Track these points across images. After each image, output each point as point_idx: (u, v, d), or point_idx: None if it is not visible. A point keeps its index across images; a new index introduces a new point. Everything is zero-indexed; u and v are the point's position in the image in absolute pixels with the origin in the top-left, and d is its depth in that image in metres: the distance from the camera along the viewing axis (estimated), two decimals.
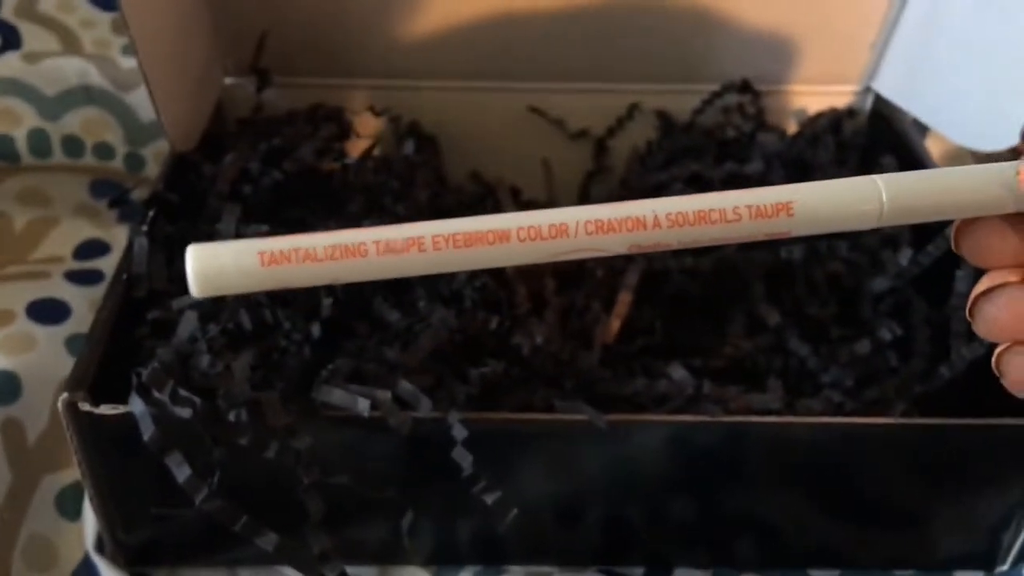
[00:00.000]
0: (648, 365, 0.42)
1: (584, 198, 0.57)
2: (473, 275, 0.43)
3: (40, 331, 0.48)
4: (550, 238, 0.20)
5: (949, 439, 0.38)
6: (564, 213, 0.21)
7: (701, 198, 0.21)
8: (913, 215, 0.22)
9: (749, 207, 0.21)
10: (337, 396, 0.35)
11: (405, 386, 0.36)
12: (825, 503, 0.40)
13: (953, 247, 0.23)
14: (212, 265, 0.19)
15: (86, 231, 0.57)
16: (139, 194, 0.59)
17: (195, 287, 0.19)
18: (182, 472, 0.34)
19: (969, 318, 0.22)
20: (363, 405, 0.35)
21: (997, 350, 0.22)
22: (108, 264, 0.55)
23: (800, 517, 0.41)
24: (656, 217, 0.20)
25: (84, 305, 0.51)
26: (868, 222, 0.21)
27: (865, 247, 0.47)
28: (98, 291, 0.52)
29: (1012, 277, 0.22)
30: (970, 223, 0.22)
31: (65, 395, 0.35)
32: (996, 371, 0.23)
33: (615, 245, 0.21)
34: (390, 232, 0.20)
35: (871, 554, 0.43)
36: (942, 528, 0.42)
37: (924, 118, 0.52)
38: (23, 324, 0.48)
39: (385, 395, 0.35)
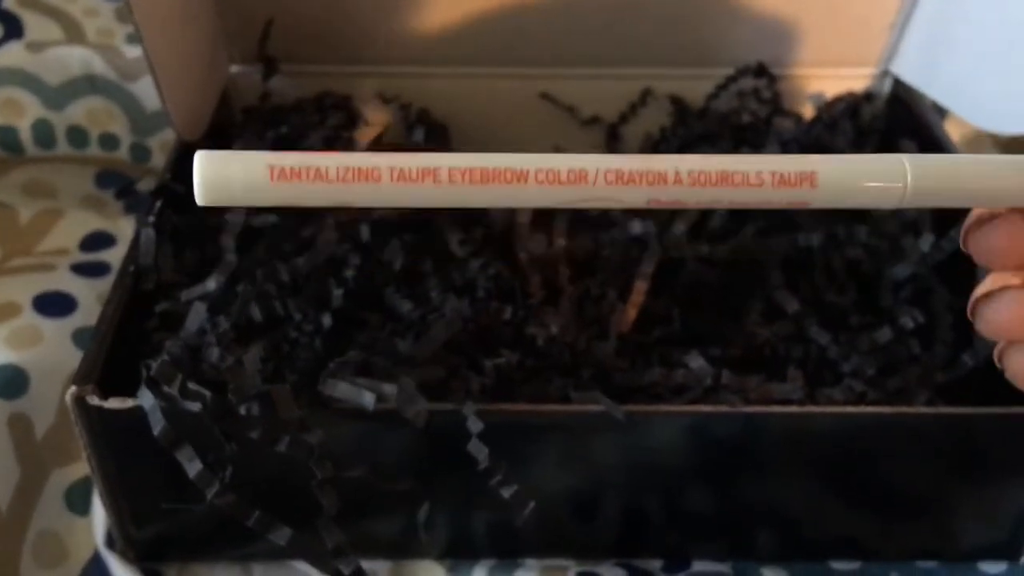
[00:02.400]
0: (665, 354, 0.41)
1: None
2: (486, 264, 0.42)
3: (47, 324, 0.48)
4: (568, 183, 0.20)
5: (972, 428, 0.37)
6: (584, 160, 0.20)
7: (725, 159, 0.20)
8: (937, 198, 0.21)
9: (773, 173, 0.20)
10: (342, 389, 0.35)
11: (406, 385, 0.35)
12: (846, 494, 0.40)
13: (961, 245, 0.23)
14: (221, 173, 0.19)
15: (92, 223, 0.57)
16: (145, 185, 0.58)
17: (200, 194, 0.19)
18: (193, 466, 0.34)
19: (970, 318, 0.23)
20: (368, 399, 0.34)
21: (998, 346, 0.23)
22: (115, 256, 0.54)
23: (820, 508, 0.40)
24: (678, 173, 0.20)
25: (91, 298, 0.50)
26: (891, 201, 0.21)
27: (885, 233, 0.46)
28: (105, 283, 0.51)
29: (1014, 280, 0.22)
30: (981, 223, 0.22)
31: (73, 389, 0.34)
32: (998, 364, 0.23)
33: (633, 198, 0.20)
34: (405, 160, 0.19)
35: (893, 545, 0.42)
36: (965, 518, 0.41)
37: (944, 101, 0.51)
38: (29, 317, 0.48)
39: (392, 389, 0.35)
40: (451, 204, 0.20)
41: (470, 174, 0.20)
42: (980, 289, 0.22)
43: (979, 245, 0.22)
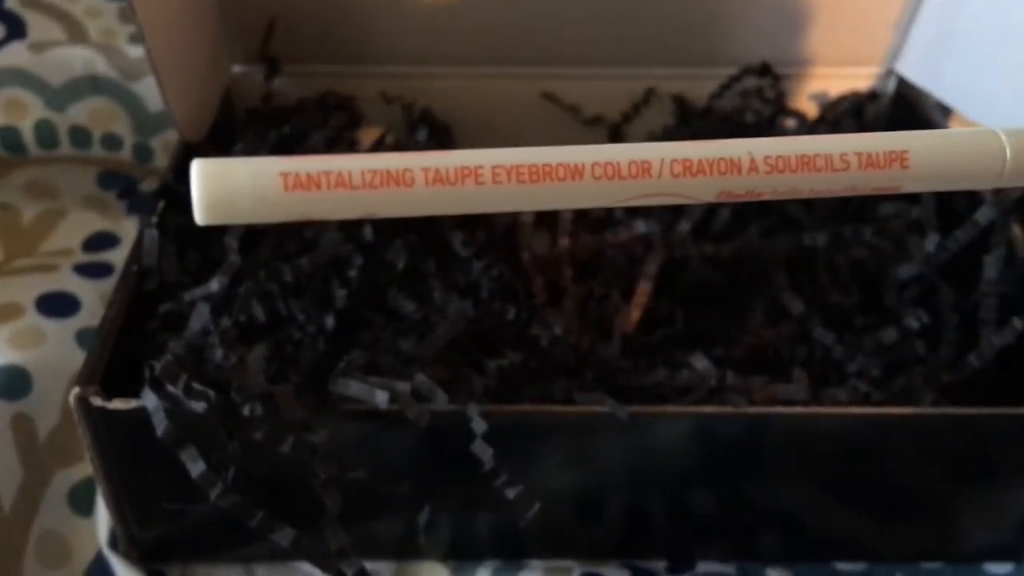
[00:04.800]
0: (669, 355, 0.41)
1: None
2: (489, 264, 0.42)
3: (49, 325, 0.48)
4: (629, 178, 0.18)
5: (978, 429, 0.37)
6: (646, 149, 0.18)
7: (804, 141, 0.18)
8: None
9: (859, 154, 0.18)
10: (355, 388, 0.35)
11: (421, 379, 0.35)
12: (851, 495, 0.40)
13: None
14: (223, 186, 0.16)
15: (95, 223, 0.57)
16: (148, 185, 0.58)
17: (201, 212, 0.16)
18: (196, 467, 0.34)
19: None
20: (381, 398, 0.34)
21: None
22: (118, 256, 0.54)
23: (825, 509, 0.40)
24: (753, 160, 0.18)
25: (94, 298, 0.50)
26: (988, 181, 0.19)
27: (890, 233, 0.46)
28: (108, 284, 0.51)
29: None
30: None
31: (76, 390, 0.34)
32: None
33: (703, 191, 0.18)
34: (441, 159, 0.17)
35: (898, 546, 0.42)
36: (971, 520, 0.41)
37: (948, 100, 0.51)
38: (32, 318, 0.48)
39: (404, 387, 0.35)
40: (496, 208, 0.17)
41: (517, 173, 0.17)
42: None
43: None
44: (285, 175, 0.16)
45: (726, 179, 0.18)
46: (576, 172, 0.17)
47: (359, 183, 0.16)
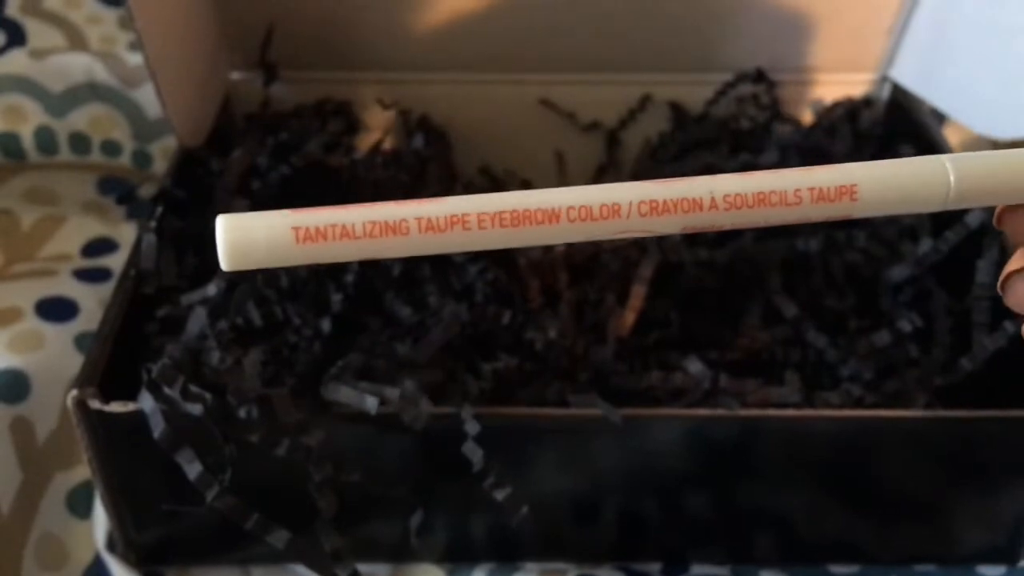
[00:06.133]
0: (663, 358, 0.41)
1: None
2: (484, 269, 0.42)
3: (48, 329, 0.48)
4: (601, 219, 0.19)
5: (971, 432, 0.37)
6: (616, 192, 0.20)
7: (760, 178, 0.20)
8: (980, 199, 0.21)
9: (811, 190, 0.20)
10: (345, 394, 0.35)
11: (408, 386, 0.35)
12: (845, 497, 0.40)
13: (995, 223, 0.23)
14: (243, 238, 0.18)
15: (94, 228, 0.57)
16: (147, 191, 0.58)
17: (225, 260, 0.18)
18: (193, 469, 0.34)
19: (1000, 292, 0.23)
20: (371, 403, 0.34)
21: None
22: (116, 261, 0.54)
23: (819, 512, 0.40)
24: (713, 199, 0.20)
25: (92, 303, 0.50)
26: (935, 206, 0.20)
27: (883, 237, 0.46)
28: (106, 289, 0.52)
29: None
30: (1015, 206, 0.22)
31: (75, 392, 0.34)
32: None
33: (668, 227, 0.20)
34: (433, 209, 0.19)
35: (891, 549, 0.42)
36: (964, 522, 0.41)
37: (942, 106, 0.52)
38: (31, 322, 0.48)
39: (394, 392, 0.35)
40: (483, 248, 0.19)
41: (500, 218, 0.19)
42: (1012, 264, 0.22)
43: (1013, 226, 0.22)
44: (296, 229, 0.18)
45: (689, 217, 0.20)
46: (553, 216, 0.19)
47: (361, 233, 0.18)
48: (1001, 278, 0.22)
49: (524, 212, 0.19)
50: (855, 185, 0.20)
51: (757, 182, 0.20)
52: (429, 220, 0.19)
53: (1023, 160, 0.21)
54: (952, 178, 0.20)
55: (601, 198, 0.19)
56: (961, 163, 0.20)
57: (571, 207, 0.19)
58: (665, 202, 0.19)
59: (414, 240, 0.19)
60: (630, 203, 0.19)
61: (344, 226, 0.18)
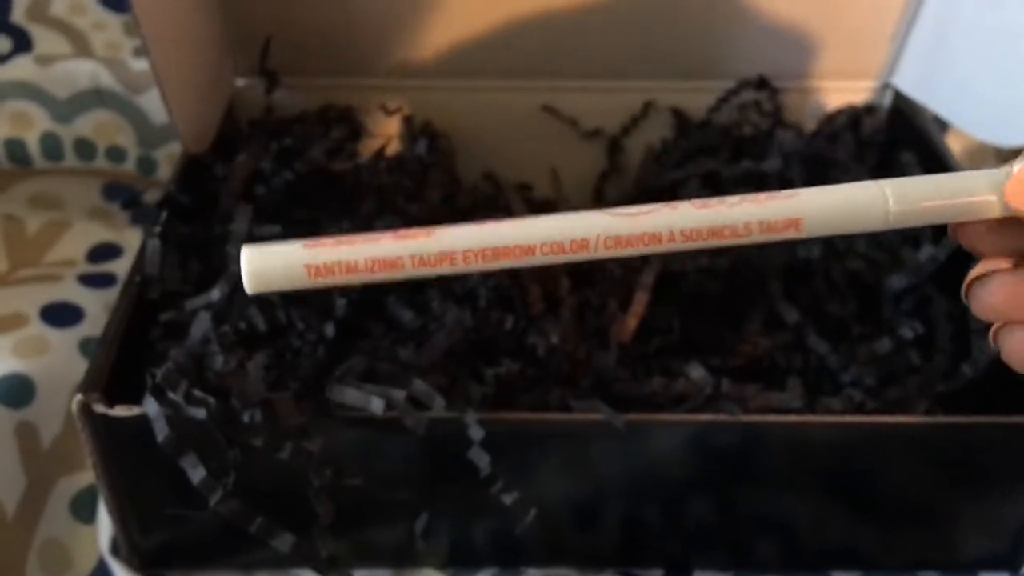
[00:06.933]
0: (666, 364, 0.41)
1: (598, 198, 0.57)
2: (487, 275, 0.43)
3: (53, 334, 0.48)
4: (571, 252, 0.22)
5: (973, 438, 0.38)
6: (585, 226, 0.22)
7: (714, 213, 0.22)
8: (918, 220, 0.23)
9: (761, 223, 0.22)
10: (351, 395, 0.35)
11: (419, 386, 0.35)
12: (846, 504, 0.40)
13: (951, 236, 0.24)
14: (263, 267, 0.21)
15: (99, 234, 0.57)
16: (152, 196, 0.59)
17: (249, 285, 0.21)
18: (197, 473, 0.34)
19: (965, 300, 0.24)
20: (377, 404, 0.35)
21: (993, 327, 0.24)
22: (121, 267, 0.55)
23: (821, 518, 0.40)
24: (671, 233, 0.22)
25: (97, 308, 0.51)
26: (877, 227, 0.23)
27: (885, 244, 0.47)
28: (111, 294, 0.52)
29: (1004, 264, 0.23)
30: (981, 280, 0.24)
31: (79, 397, 0.34)
32: (992, 344, 0.25)
33: (630, 255, 0.23)
34: (426, 247, 0.22)
35: (894, 555, 0.42)
36: (966, 528, 0.41)
37: (944, 114, 0.52)
38: (36, 327, 0.48)
39: (400, 394, 0.35)
40: (464, 273, 0.22)
41: (483, 254, 0.22)
42: (973, 272, 0.24)
43: (967, 238, 0.23)
44: (308, 266, 0.21)
45: (649, 248, 0.22)
46: (528, 251, 0.22)
47: (363, 268, 0.21)
48: (964, 286, 0.24)
49: (503, 249, 0.22)
50: (800, 219, 0.22)
51: (712, 217, 0.22)
52: (422, 257, 0.22)
53: (952, 184, 0.23)
54: (891, 202, 0.22)
55: (571, 235, 0.22)
56: (898, 188, 0.22)
57: (544, 244, 0.22)
58: (629, 236, 0.22)
59: (408, 272, 0.22)
60: (597, 238, 0.22)
61: (349, 262, 0.21)
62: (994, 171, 0.23)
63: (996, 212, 0.22)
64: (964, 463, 0.39)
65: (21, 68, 0.59)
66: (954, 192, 0.22)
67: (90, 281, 0.53)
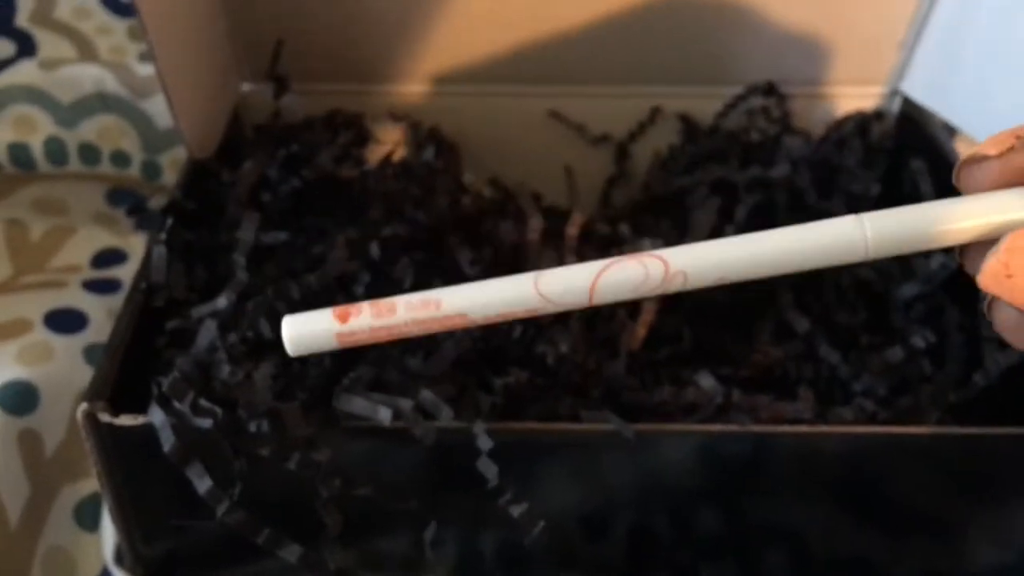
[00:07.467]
0: (675, 373, 0.41)
1: (606, 203, 0.57)
2: None
3: (58, 341, 0.48)
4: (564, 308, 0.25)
5: (985, 448, 0.37)
6: (581, 286, 0.25)
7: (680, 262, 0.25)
8: (896, 249, 0.23)
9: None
10: (358, 405, 0.35)
11: (427, 395, 0.35)
12: (857, 514, 0.40)
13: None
14: (300, 334, 0.25)
15: (103, 240, 0.57)
16: (157, 202, 0.58)
17: (288, 350, 0.25)
18: (203, 483, 0.34)
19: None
20: (385, 414, 0.34)
21: (986, 300, 0.24)
22: (126, 273, 0.54)
23: (831, 529, 0.40)
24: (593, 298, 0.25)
25: (102, 314, 0.50)
26: (857, 259, 0.24)
27: None
28: (116, 300, 0.52)
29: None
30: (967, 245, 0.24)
31: (84, 405, 0.34)
32: (986, 316, 0.25)
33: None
34: (434, 324, 0.25)
35: (904, 567, 0.42)
36: (978, 540, 0.41)
37: (953, 120, 0.51)
38: (40, 334, 0.48)
39: (408, 404, 0.35)
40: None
41: (490, 319, 0.25)
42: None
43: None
44: (339, 335, 0.25)
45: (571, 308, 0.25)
46: (532, 312, 0.25)
47: (381, 335, 0.25)
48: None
49: (509, 314, 0.25)
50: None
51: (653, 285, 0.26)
52: (427, 324, 0.25)
53: (927, 214, 0.23)
54: (869, 234, 0.23)
55: (570, 304, 0.25)
56: (876, 221, 0.23)
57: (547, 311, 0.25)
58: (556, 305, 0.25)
59: (413, 332, 0.25)
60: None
61: (371, 330, 0.25)
62: (967, 198, 0.23)
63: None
64: (976, 473, 0.38)
65: (25, 72, 0.58)
66: (934, 220, 0.23)
67: (94, 287, 0.53)
